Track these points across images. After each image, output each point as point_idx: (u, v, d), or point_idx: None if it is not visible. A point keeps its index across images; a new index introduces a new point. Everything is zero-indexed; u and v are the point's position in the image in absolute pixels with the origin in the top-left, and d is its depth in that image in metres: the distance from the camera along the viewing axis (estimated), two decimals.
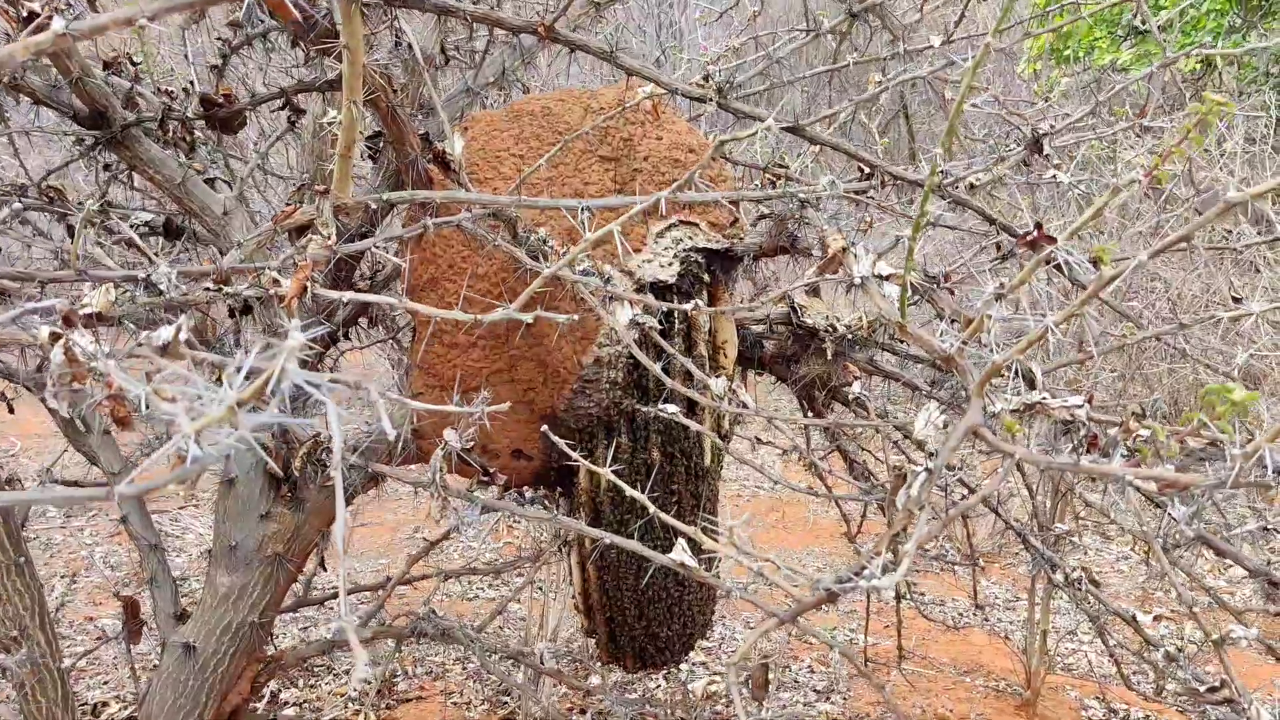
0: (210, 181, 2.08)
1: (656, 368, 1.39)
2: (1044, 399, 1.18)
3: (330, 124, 1.46)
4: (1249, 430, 1.05)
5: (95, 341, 0.87)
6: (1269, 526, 1.68)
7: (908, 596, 2.98)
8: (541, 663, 1.85)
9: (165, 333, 0.83)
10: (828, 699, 3.31)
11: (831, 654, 3.64)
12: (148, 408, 0.63)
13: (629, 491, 1.14)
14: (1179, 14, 7.05)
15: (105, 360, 0.72)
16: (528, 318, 0.98)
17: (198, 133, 2.03)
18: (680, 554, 1.24)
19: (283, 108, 2.12)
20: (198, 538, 4.49)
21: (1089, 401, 1.19)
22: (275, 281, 1.05)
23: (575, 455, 1.26)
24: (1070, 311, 0.84)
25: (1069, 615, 4.06)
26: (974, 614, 4.11)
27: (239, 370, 0.52)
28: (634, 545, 1.24)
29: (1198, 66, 7.45)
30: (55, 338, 0.76)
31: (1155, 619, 4.16)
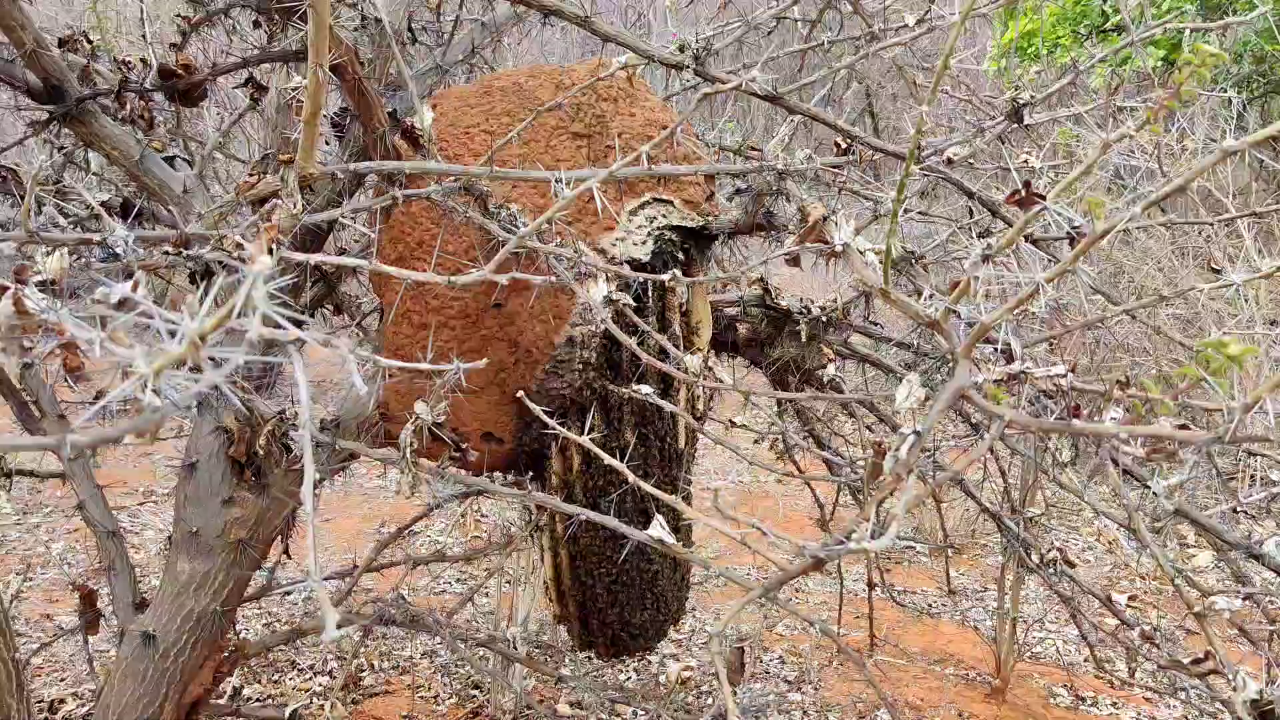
0: (170, 160, 2.03)
1: (632, 343, 1.36)
2: (1027, 368, 1.17)
3: (295, 90, 1.42)
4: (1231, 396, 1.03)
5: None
6: (1239, 509, 1.67)
7: (880, 585, 2.97)
8: (515, 648, 1.81)
9: (122, 288, 0.79)
10: (799, 689, 3.29)
11: (803, 645, 3.63)
12: (102, 353, 0.59)
13: (608, 460, 1.11)
14: (1140, 11, 7.11)
15: (58, 310, 0.68)
16: (503, 279, 0.95)
17: (156, 113, 1.97)
18: (658, 530, 1.21)
19: (245, 84, 2.07)
20: (156, 533, 4.41)
21: (1071, 370, 1.17)
22: (239, 245, 1.01)
23: (553, 424, 1.23)
24: (1063, 267, 0.82)
25: (1037, 604, 4.08)
26: (944, 604, 4.11)
27: (201, 302, 0.48)
28: (611, 521, 1.21)
29: (1159, 64, 7.53)
30: (3, 290, 0.72)
31: (1131, 598, 4.19)
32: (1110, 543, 4.66)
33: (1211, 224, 1.54)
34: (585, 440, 1.13)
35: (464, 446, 1.41)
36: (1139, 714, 3.34)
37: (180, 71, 1.70)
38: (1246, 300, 5.69)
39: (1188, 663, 1.11)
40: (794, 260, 1.31)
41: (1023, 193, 0.90)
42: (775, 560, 0.96)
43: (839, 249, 1.15)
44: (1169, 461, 0.92)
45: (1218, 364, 0.73)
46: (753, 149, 1.98)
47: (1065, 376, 1.12)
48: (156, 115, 1.97)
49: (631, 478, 1.10)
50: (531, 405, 1.28)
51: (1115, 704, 3.39)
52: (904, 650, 3.66)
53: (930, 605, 4.10)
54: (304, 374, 0.69)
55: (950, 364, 1.58)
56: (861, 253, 1.16)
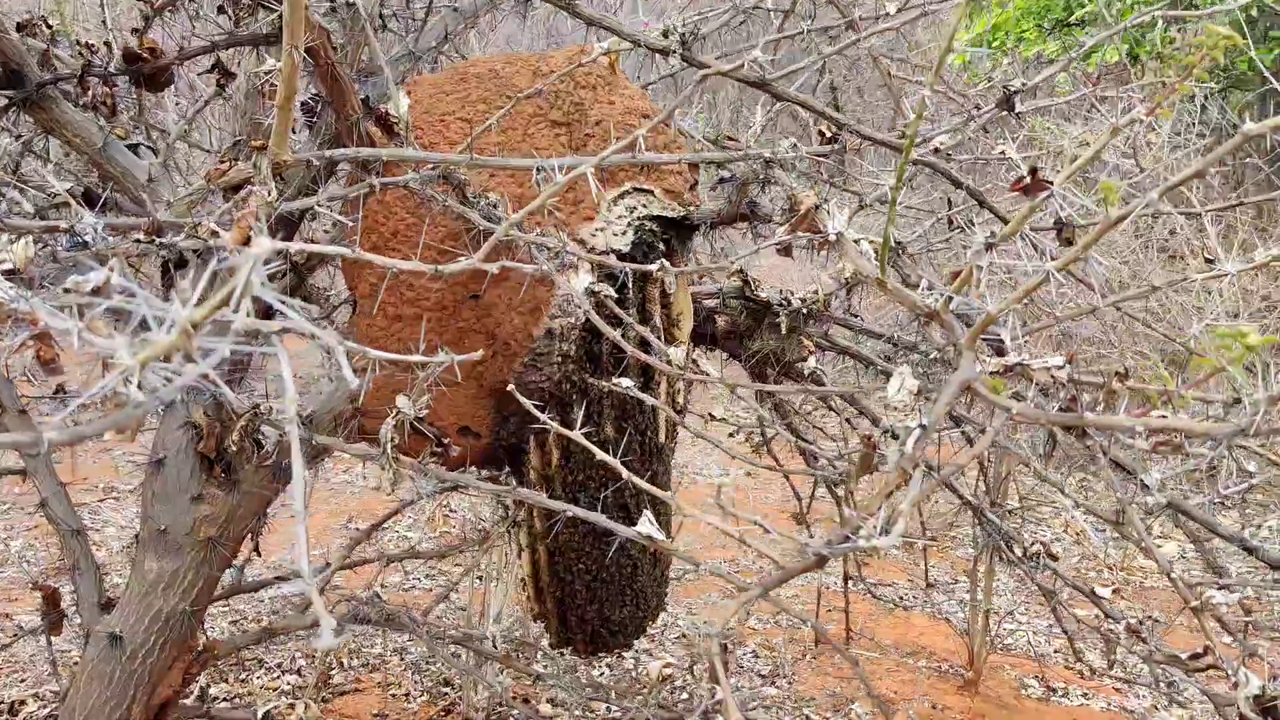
0: (133, 148, 1.97)
1: (615, 334, 1.33)
2: (1024, 360, 1.15)
3: (268, 74, 1.38)
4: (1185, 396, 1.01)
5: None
6: (1220, 501, 1.67)
7: (857, 579, 2.96)
8: (495, 646, 1.78)
9: (96, 276, 0.75)
10: (773, 683, 3.28)
11: (776, 639, 3.62)
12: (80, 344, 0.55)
13: (599, 455, 1.08)
14: (1109, 3, 7.16)
15: (29, 299, 0.63)
16: (493, 268, 0.92)
17: (119, 101, 1.91)
18: (646, 526, 1.19)
19: (211, 70, 2.01)
20: (118, 531, 4.32)
21: (1069, 362, 1.15)
22: (214, 233, 0.97)
23: (543, 418, 1.20)
24: (1074, 255, 0.80)
25: (1007, 596, 4.10)
26: (915, 596, 4.12)
27: (194, 287, 0.45)
28: (598, 518, 1.18)
29: (1124, 58, 7.59)
30: None
31: (1115, 591, 4.21)
32: (1078, 534, 4.70)
33: (1201, 213, 1.53)
34: (576, 435, 1.10)
35: (445, 441, 1.38)
36: (1109, 704, 3.36)
37: (146, 55, 1.64)
38: (1210, 294, 5.75)
39: (1185, 658, 1.10)
40: (785, 249, 1.28)
41: (1028, 179, 0.87)
42: (773, 556, 0.93)
43: (832, 238, 1.13)
44: (1175, 454, 0.91)
45: (1237, 354, 0.71)
46: (730, 139, 1.95)
47: (1063, 368, 1.11)
48: (119, 102, 1.91)
49: (625, 474, 1.07)
50: (521, 399, 1.24)
51: (1086, 695, 3.41)
52: (878, 643, 3.66)
53: (901, 598, 4.11)
54: (288, 366, 0.66)
55: (941, 357, 1.56)
56: (855, 242, 1.14)
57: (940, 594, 4.16)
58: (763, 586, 0.92)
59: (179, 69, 1.72)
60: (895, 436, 1.85)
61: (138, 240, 1.03)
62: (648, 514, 1.18)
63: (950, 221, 2.13)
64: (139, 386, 0.55)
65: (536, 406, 1.80)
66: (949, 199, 2.16)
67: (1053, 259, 1.01)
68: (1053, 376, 1.14)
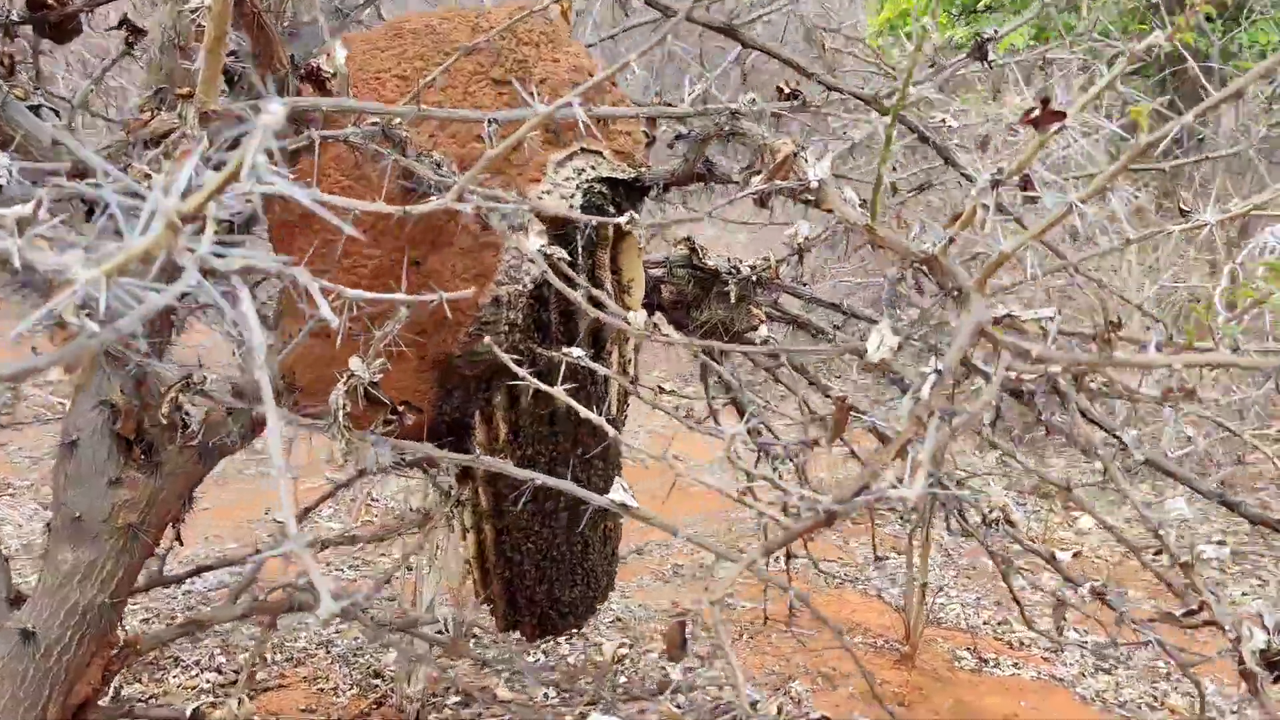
0: (34, 109, 1.82)
1: (578, 295, 1.26)
2: (1012, 312, 1.11)
3: (195, 12, 1.27)
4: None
5: None
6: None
7: (805, 555, 2.94)
8: (446, 630, 1.69)
9: (22, 207, 0.65)
10: (712, 664, 3.24)
11: (712, 618, 3.58)
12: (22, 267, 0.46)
13: (583, 412, 1.00)
14: None
15: None
16: (466, 207, 0.84)
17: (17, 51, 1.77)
18: (619, 494, 1.12)
19: (119, 26, 1.87)
20: (15, 529, 4.10)
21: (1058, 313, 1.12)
22: (146, 175, 0.87)
23: (522, 373, 1.12)
24: (1099, 184, 0.75)
25: (937, 570, 4.12)
26: (848, 573, 4.13)
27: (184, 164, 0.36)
28: (569, 486, 1.11)
29: (1031, 41, 7.74)
30: None
31: (1075, 554, 4.27)
32: (1001, 509, 4.75)
33: (1164, 169, 1.53)
34: (559, 391, 1.02)
35: (400, 409, 1.29)
36: (1039, 673, 3.40)
37: (52, 2, 1.51)
38: (1116, 271, 5.90)
39: (1179, 614, 1.07)
40: (762, 200, 1.23)
41: (1038, 111, 0.82)
42: (775, 517, 0.87)
43: (814, 185, 1.07)
44: (1188, 402, 0.87)
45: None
46: (667, 105, 1.89)
47: (1053, 319, 1.07)
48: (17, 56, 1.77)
49: (612, 432, 1.01)
50: (497, 351, 1.16)
51: (1016, 664, 3.44)
52: (816, 619, 3.65)
53: (834, 575, 4.10)
54: (251, 306, 0.57)
55: (897, 328, 1.52)
56: (839, 189, 1.08)
57: (870, 570, 4.17)
58: (764, 548, 0.86)
59: (87, 18, 1.59)
60: (859, 412, 1.81)
61: (58, 185, 0.93)
62: (620, 481, 1.12)
63: (894, 188, 2.10)
64: (91, 316, 0.47)
65: (480, 380, 1.72)
66: (894, 165, 2.13)
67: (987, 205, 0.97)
68: (1043, 328, 1.10)
